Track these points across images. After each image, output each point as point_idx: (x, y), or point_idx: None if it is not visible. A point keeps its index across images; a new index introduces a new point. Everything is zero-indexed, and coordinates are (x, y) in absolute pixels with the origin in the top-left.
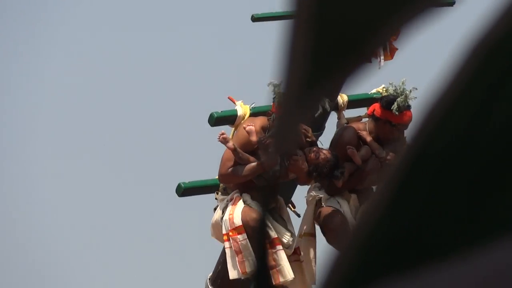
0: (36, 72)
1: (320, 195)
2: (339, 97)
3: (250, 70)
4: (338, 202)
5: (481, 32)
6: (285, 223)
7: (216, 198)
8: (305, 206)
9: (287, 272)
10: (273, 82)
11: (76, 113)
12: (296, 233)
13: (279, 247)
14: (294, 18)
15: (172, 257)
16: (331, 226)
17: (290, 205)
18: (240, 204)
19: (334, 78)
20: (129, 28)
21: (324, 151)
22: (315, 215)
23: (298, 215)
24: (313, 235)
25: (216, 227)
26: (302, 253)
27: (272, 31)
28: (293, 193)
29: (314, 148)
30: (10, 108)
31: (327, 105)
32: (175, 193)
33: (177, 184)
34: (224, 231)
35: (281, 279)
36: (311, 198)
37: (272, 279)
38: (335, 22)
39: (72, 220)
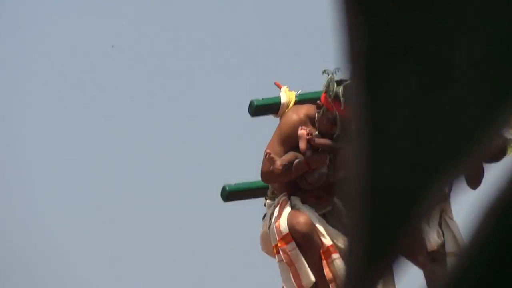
0: None
1: None
2: None
3: (295, 53)
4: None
5: (496, 193)
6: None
7: (264, 205)
8: None
9: None
10: (328, 70)
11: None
12: None
13: (336, 255)
14: (347, 192)
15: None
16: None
17: None
18: (287, 209)
19: (394, 250)
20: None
21: None
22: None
23: None
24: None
25: (265, 239)
26: None
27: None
28: None
29: None
30: None
31: None
32: (219, 197)
33: (221, 187)
34: (273, 243)
35: None
36: None
37: None
38: (388, 191)
39: (104, 222)
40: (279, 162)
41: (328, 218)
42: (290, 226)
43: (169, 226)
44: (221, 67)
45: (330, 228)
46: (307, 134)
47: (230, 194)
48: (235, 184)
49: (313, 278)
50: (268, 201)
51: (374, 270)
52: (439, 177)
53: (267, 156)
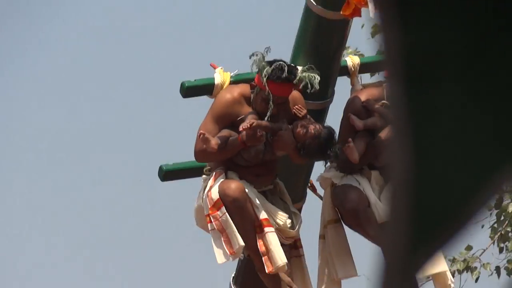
0: None
1: (330, 177)
2: (349, 59)
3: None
4: (357, 180)
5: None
6: (288, 206)
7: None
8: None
9: (278, 257)
10: (256, 53)
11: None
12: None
13: (269, 229)
14: (394, 186)
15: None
16: (347, 205)
17: (310, 187)
18: (221, 179)
19: (436, 243)
20: None
21: (314, 125)
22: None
23: (321, 198)
24: (338, 220)
25: (199, 212)
26: (302, 247)
27: None
28: (310, 174)
29: (303, 122)
30: None
31: (315, 80)
32: (157, 177)
33: (158, 167)
34: (205, 212)
35: (274, 266)
36: (322, 180)
37: (265, 268)
38: (434, 187)
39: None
40: (213, 142)
41: (268, 196)
42: (221, 191)
43: (105, 202)
44: (156, 48)
45: (268, 204)
46: (251, 125)
47: (167, 174)
48: (172, 164)
49: (242, 243)
50: (204, 176)
51: (417, 258)
52: (487, 177)
53: (201, 136)
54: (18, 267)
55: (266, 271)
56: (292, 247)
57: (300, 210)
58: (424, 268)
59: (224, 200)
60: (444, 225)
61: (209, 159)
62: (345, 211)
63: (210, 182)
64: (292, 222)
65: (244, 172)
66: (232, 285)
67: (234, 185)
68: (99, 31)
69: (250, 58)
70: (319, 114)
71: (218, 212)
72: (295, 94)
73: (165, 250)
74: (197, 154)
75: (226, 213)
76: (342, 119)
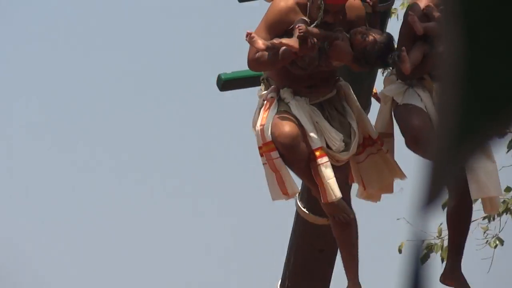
0: None
1: (391, 94)
2: None
3: None
4: (419, 95)
5: None
6: (345, 121)
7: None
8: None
9: (331, 191)
10: None
11: None
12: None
13: (322, 159)
14: (443, 79)
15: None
16: (411, 133)
17: (374, 95)
18: (273, 110)
19: (483, 134)
20: None
21: (373, 32)
22: (391, 113)
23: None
24: (390, 135)
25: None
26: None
27: None
28: (373, 81)
29: (360, 29)
30: None
31: None
32: (216, 86)
33: (217, 76)
34: (257, 144)
35: (327, 198)
36: (383, 97)
37: (321, 198)
38: (484, 83)
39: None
40: (261, 42)
41: (325, 108)
42: (273, 136)
43: (166, 112)
44: None
45: (324, 122)
46: (299, 31)
47: (226, 83)
48: (231, 72)
49: (298, 189)
50: (260, 93)
51: (464, 149)
52: None
53: (248, 37)
54: None
55: (322, 201)
56: (367, 145)
57: None
58: (470, 161)
59: (277, 146)
60: (489, 118)
61: (262, 67)
62: (408, 138)
63: (262, 112)
64: (349, 140)
65: (298, 85)
66: (298, 201)
67: (287, 130)
68: None
69: None
70: (381, 17)
71: (272, 154)
72: (353, 2)
73: (223, 163)
74: (250, 62)
75: (280, 158)
76: (401, 27)
